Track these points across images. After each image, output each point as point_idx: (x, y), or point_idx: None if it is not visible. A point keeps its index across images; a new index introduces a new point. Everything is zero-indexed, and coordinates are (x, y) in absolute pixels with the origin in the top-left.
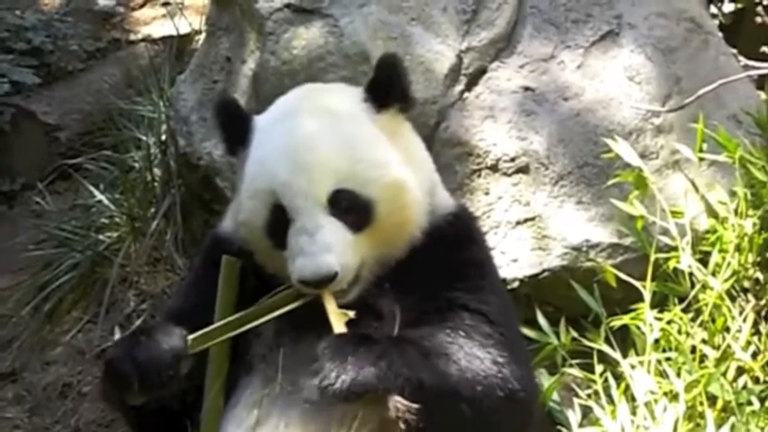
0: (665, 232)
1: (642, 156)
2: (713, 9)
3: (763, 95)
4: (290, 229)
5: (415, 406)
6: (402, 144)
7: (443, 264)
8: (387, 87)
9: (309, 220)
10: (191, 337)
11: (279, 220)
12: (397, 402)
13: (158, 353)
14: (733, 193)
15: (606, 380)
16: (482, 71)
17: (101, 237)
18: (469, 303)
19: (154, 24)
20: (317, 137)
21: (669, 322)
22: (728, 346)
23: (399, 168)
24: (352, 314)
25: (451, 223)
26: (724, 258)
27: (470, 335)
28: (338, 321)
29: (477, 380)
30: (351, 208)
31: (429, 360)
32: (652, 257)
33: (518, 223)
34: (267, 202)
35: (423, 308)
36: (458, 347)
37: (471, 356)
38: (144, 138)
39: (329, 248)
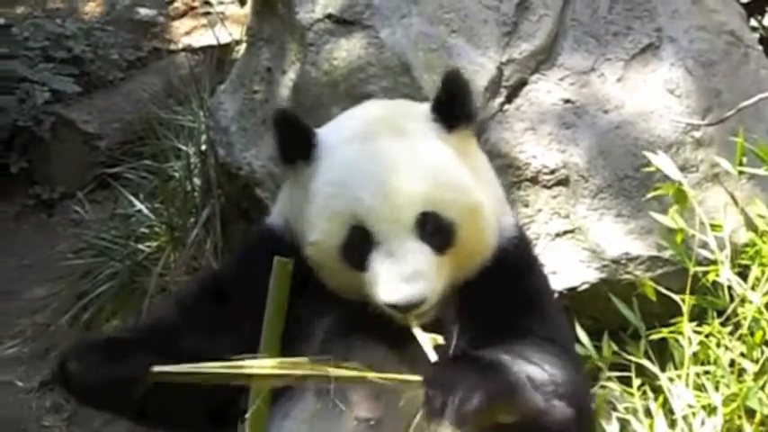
0: (705, 245)
1: (682, 169)
2: (753, 22)
3: None
4: (375, 253)
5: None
6: (473, 164)
7: (511, 288)
8: (453, 106)
9: (398, 245)
10: (155, 368)
11: (359, 243)
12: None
13: (114, 375)
14: None
15: (644, 393)
16: (522, 83)
17: (140, 246)
18: (540, 331)
19: (194, 34)
20: (400, 161)
21: (708, 336)
22: (767, 359)
23: (475, 191)
24: (440, 339)
25: (517, 246)
26: (763, 272)
27: (544, 357)
28: (431, 349)
29: (555, 395)
30: (435, 231)
31: (520, 374)
32: (691, 271)
33: (557, 236)
34: (346, 224)
35: (493, 330)
36: (536, 364)
37: (550, 375)
38: (184, 147)
39: (419, 274)
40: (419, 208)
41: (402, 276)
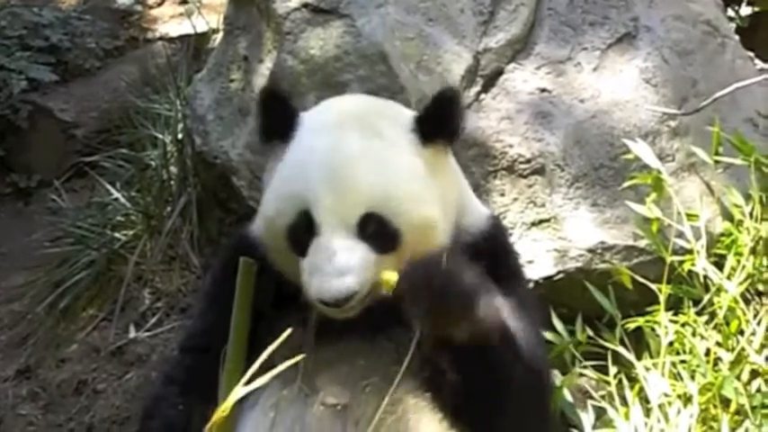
0: (681, 235)
1: (658, 158)
2: (730, 12)
3: None
4: (314, 241)
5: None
6: (440, 178)
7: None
8: (438, 123)
9: (334, 240)
10: None
11: (304, 228)
12: (493, 303)
13: None
14: (748, 196)
15: (620, 382)
16: (499, 72)
17: (116, 234)
18: (513, 314)
19: (171, 23)
20: (360, 159)
21: (683, 325)
22: (743, 349)
23: (432, 207)
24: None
25: (487, 239)
26: (739, 261)
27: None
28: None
29: (525, 357)
30: (378, 234)
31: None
32: (667, 260)
33: (533, 225)
34: (296, 207)
35: None
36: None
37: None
38: (160, 136)
39: (349, 270)
40: (364, 208)
41: (330, 272)
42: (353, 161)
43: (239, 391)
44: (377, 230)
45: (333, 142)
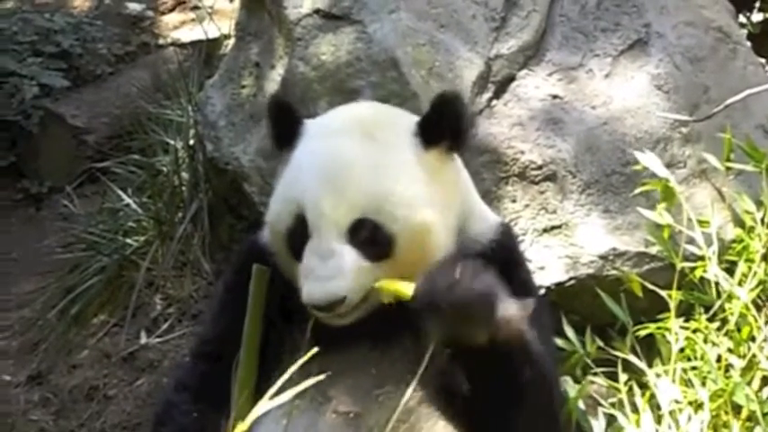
0: (692, 241)
1: (669, 165)
2: (742, 18)
3: None
4: (307, 245)
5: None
6: (442, 183)
7: None
8: (438, 126)
9: (325, 243)
10: None
11: (299, 231)
12: (512, 306)
13: None
14: (760, 203)
15: (631, 389)
16: (510, 79)
17: (128, 240)
18: None
19: (183, 29)
20: (357, 163)
21: (695, 331)
22: (754, 355)
23: (429, 211)
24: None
25: (497, 248)
26: (750, 268)
27: None
28: (405, 286)
29: (538, 366)
30: (370, 239)
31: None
32: (678, 266)
33: (545, 231)
34: (294, 211)
35: None
36: None
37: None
38: (172, 142)
39: (339, 274)
40: (357, 213)
41: (320, 276)
42: (349, 165)
43: (262, 406)
44: (369, 237)
45: (331, 147)
